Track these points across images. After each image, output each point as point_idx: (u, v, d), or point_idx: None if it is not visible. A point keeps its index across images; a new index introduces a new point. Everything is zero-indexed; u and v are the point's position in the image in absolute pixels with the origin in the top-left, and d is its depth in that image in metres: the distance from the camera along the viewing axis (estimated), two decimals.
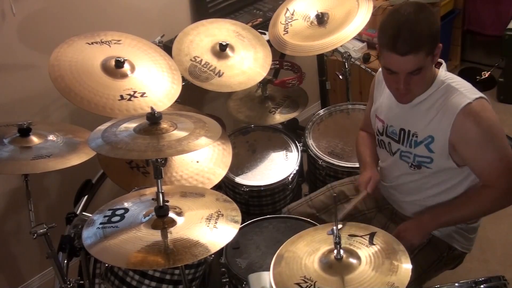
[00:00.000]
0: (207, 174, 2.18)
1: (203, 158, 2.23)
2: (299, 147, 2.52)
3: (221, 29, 2.59)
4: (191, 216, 1.66)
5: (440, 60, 1.81)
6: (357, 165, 2.22)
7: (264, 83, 2.68)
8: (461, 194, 1.86)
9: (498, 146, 1.73)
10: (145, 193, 1.82)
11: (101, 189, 2.47)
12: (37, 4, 2.39)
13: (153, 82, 2.22)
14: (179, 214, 1.66)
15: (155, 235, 1.58)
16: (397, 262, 1.49)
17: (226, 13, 2.99)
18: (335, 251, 1.50)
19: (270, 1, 3.14)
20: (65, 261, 1.96)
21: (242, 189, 2.37)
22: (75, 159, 1.90)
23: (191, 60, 2.42)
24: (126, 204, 1.75)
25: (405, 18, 1.65)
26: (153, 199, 1.67)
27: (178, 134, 1.65)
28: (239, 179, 2.40)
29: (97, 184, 2.43)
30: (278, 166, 2.46)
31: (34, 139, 1.95)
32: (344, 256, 1.50)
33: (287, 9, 2.72)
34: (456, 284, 1.67)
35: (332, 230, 1.50)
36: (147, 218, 1.65)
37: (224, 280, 1.89)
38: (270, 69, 2.60)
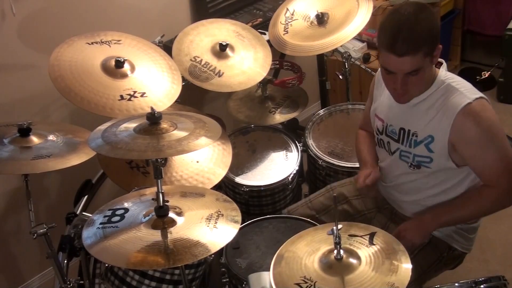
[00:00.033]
0: (207, 174, 2.18)
1: (203, 158, 2.23)
2: (299, 147, 2.52)
3: (221, 29, 2.59)
4: (191, 216, 1.66)
5: (440, 60, 1.81)
6: (357, 165, 2.22)
7: (264, 83, 2.68)
8: (462, 194, 1.86)
9: (498, 146, 1.73)
10: (145, 193, 1.82)
11: (101, 189, 2.47)
12: (37, 4, 2.39)
13: (153, 82, 2.22)
14: (179, 214, 1.66)
15: (155, 235, 1.58)
16: (397, 262, 1.49)
17: (226, 13, 2.99)
18: (335, 251, 1.50)
19: (270, 1, 3.14)
20: (65, 261, 1.96)
21: (242, 189, 2.37)
22: (75, 159, 1.90)
23: (191, 60, 2.42)
24: (126, 204, 1.75)
25: (404, 19, 1.64)
26: (153, 199, 1.67)
27: (178, 134, 1.65)
28: (239, 179, 2.40)
29: (97, 184, 2.42)
30: (278, 166, 2.46)
31: (34, 139, 1.94)
32: (344, 256, 1.50)
33: (287, 9, 2.72)
34: (456, 284, 1.67)
35: (332, 230, 1.50)
36: (147, 218, 1.65)
37: (224, 280, 1.89)
38: (270, 69, 2.60)
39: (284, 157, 2.51)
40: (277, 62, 2.77)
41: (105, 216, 1.69)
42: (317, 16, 2.62)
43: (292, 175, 2.41)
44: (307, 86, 2.84)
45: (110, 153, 1.58)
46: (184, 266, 1.67)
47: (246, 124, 2.67)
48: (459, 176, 1.83)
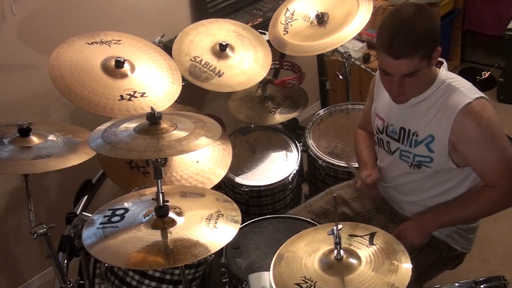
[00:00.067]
0: (207, 174, 2.18)
1: (203, 158, 2.23)
2: (299, 147, 2.52)
3: (221, 29, 2.59)
4: (191, 216, 1.66)
5: (441, 59, 1.81)
6: (357, 165, 2.22)
7: (264, 83, 2.68)
8: (462, 194, 1.86)
9: (498, 146, 1.73)
10: (145, 193, 1.82)
11: (101, 189, 2.47)
12: (37, 4, 2.39)
13: (153, 82, 2.22)
14: (179, 214, 1.66)
15: (155, 235, 1.58)
16: (397, 262, 1.49)
17: (226, 13, 2.99)
18: (335, 251, 1.50)
19: (270, 1, 3.14)
20: (65, 261, 1.96)
21: (242, 189, 2.37)
22: (75, 159, 1.89)
23: (191, 60, 2.42)
24: (126, 204, 1.75)
25: (402, 21, 1.64)
26: (153, 199, 1.67)
27: (178, 134, 1.65)
28: (239, 179, 2.40)
29: (97, 184, 2.42)
30: (278, 166, 2.46)
31: (34, 139, 1.94)
32: (344, 256, 1.50)
33: (287, 9, 2.72)
34: (456, 284, 1.67)
35: (332, 230, 1.50)
36: (147, 218, 1.65)
37: (224, 280, 1.89)
38: (270, 69, 2.60)
39: (284, 157, 2.51)
40: (277, 62, 2.77)
41: (105, 216, 1.69)
42: (317, 16, 2.62)
43: (292, 175, 2.41)
44: (307, 86, 2.84)
45: (110, 153, 1.58)
46: (184, 266, 1.67)
47: (246, 124, 2.67)
48: (459, 177, 1.83)
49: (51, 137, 1.99)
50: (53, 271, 1.95)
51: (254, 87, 2.71)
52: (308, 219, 2.06)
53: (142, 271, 1.72)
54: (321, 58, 3.17)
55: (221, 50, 2.48)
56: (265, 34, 2.75)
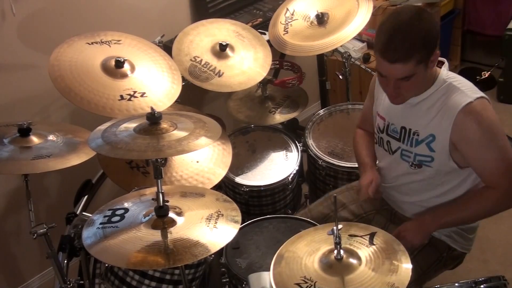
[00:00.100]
0: (207, 174, 2.18)
1: (203, 158, 2.23)
2: (299, 147, 2.52)
3: (221, 29, 2.59)
4: (191, 216, 1.66)
5: (442, 59, 1.81)
6: (357, 164, 2.22)
7: (264, 83, 2.68)
8: (463, 195, 1.86)
9: (499, 146, 1.72)
10: (145, 193, 1.82)
11: (101, 189, 2.47)
12: (37, 4, 2.39)
13: (153, 82, 2.22)
14: (179, 214, 1.66)
15: (155, 235, 1.58)
16: (397, 262, 1.49)
17: (226, 13, 2.99)
18: (335, 251, 1.50)
19: (270, 1, 3.14)
20: (65, 261, 1.96)
21: (242, 189, 2.37)
22: (75, 159, 1.89)
23: (191, 60, 2.42)
24: (126, 204, 1.75)
25: (399, 25, 1.64)
26: (153, 199, 1.67)
27: (178, 134, 1.65)
28: (239, 179, 2.40)
29: (97, 184, 2.42)
30: (278, 166, 2.46)
31: (34, 139, 1.94)
32: (344, 256, 1.50)
33: (287, 9, 2.72)
34: (456, 284, 1.67)
35: (332, 230, 1.50)
36: (147, 218, 1.65)
37: (224, 280, 1.89)
38: (270, 69, 2.60)
39: (284, 157, 2.51)
40: (277, 62, 2.77)
41: (105, 216, 1.69)
42: (317, 16, 2.62)
43: (292, 175, 2.41)
44: (307, 86, 2.84)
45: (110, 153, 1.58)
46: (184, 266, 1.67)
47: (246, 124, 2.67)
48: (459, 178, 1.83)
49: (51, 137, 1.99)
50: (53, 271, 1.95)
51: (254, 87, 2.71)
52: (308, 219, 2.05)
53: (142, 271, 1.72)
54: (321, 58, 3.17)
55: (221, 50, 2.48)
56: (265, 34, 2.75)
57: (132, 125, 1.70)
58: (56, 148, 1.94)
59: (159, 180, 1.63)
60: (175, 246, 1.54)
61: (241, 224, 1.81)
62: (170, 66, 2.32)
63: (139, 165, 2.19)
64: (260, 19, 2.95)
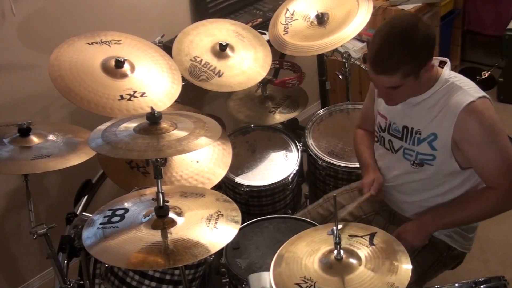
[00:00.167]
0: (207, 174, 2.18)
1: (203, 158, 2.23)
2: (299, 147, 2.52)
3: (221, 29, 2.59)
4: (191, 216, 1.66)
5: (444, 59, 1.82)
6: (357, 165, 2.22)
7: (264, 83, 2.68)
8: (463, 195, 1.86)
9: (500, 146, 1.72)
10: (145, 193, 1.82)
11: (101, 189, 2.47)
12: (37, 4, 2.39)
13: (153, 82, 2.22)
14: (179, 214, 1.66)
15: (155, 235, 1.58)
16: (397, 262, 1.49)
17: (226, 13, 2.99)
18: (335, 252, 1.50)
19: (270, 1, 3.14)
20: (65, 262, 1.96)
21: (242, 189, 2.37)
22: (75, 159, 1.89)
23: (191, 60, 2.42)
24: (126, 204, 1.75)
25: (389, 38, 1.66)
26: (153, 199, 1.67)
27: (178, 134, 1.65)
28: (239, 179, 2.40)
29: (97, 184, 2.42)
30: (278, 166, 2.46)
31: (34, 139, 1.94)
32: (344, 256, 1.50)
33: (287, 9, 2.71)
34: (456, 284, 1.67)
35: (332, 230, 1.50)
36: (147, 218, 1.65)
37: (224, 280, 1.89)
38: (270, 69, 2.60)
39: (284, 157, 2.51)
40: (277, 62, 2.77)
41: (105, 216, 1.69)
42: (317, 16, 2.62)
43: (292, 175, 2.41)
44: (307, 86, 2.84)
45: (110, 153, 1.58)
46: (184, 267, 1.67)
47: (246, 124, 2.66)
48: (460, 178, 1.83)
49: (51, 137, 1.99)
50: (53, 271, 1.95)
51: (254, 87, 2.71)
52: (308, 219, 2.05)
53: (142, 271, 1.72)
54: (321, 58, 3.17)
55: (221, 50, 2.48)
56: (265, 34, 2.75)
57: (132, 125, 1.70)
58: (56, 148, 1.94)
59: (159, 180, 1.63)
60: (175, 246, 1.54)
61: (241, 224, 1.81)
62: (170, 66, 2.32)
63: (139, 165, 2.19)
64: (260, 19, 2.95)
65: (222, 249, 1.86)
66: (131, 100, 2.11)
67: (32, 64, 2.44)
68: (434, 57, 1.76)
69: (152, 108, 1.68)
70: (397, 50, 1.64)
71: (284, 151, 2.54)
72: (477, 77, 3.76)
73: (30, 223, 1.87)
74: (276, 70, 2.91)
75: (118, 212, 1.70)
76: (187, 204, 1.72)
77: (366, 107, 2.12)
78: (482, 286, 1.64)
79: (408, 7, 3.41)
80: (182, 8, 2.90)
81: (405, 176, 1.92)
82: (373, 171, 1.99)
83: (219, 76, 2.41)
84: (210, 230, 1.60)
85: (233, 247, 1.95)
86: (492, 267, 2.59)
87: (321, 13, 2.62)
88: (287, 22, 2.67)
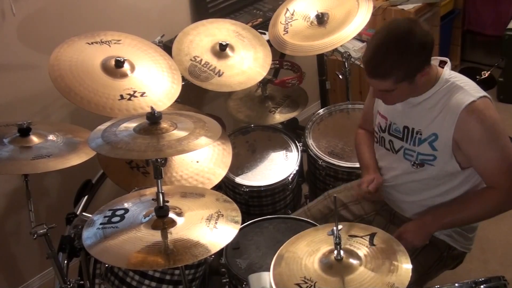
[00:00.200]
0: (207, 174, 2.18)
1: (203, 158, 2.23)
2: (299, 147, 2.52)
3: (221, 29, 2.59)
4: (191, 217, 1.66)
5: (445, 58, 1.83)
6: (357, 165, 2.22)
7: (264, 83, 2.68)
8: (464, 195, 1.86)
9: (501, 145, 1.72)
10: (145, 193, 1.82)
11: (101, 189, 2.47)
12: (37, 4, 2.39)
13: (153, 82, 2.22)
14: (179, 214, 1.66)
15: (155, 236, 1.58)
16: (397, 262, 1.49)
17: (226, 13, 2.99)
18: (335, 252, 1.50)
19: (270, 1, 3.14)
20: (65, 262, 1.96)
21: (242, 189, 2.37)
22: (75, 159, 1.89)
23: (191, 60, 2.42)
24: (126, 205, 1.75)
25: (384, 43, 1.66)
26: (153, 199, 1.67)
27: (178, 134, 1.65)
28: (239, 179, 2.40)
29: (97, 184, 2.42)
30: (278, 166, 2.46)
31: (34, 139, 1.94)
32: (344, 256, 1.50)
33: (287, 9, 2.72)
34: (456, 284, 1.67)
35: (332, 230, 1.50)
36: (147, 218, 1.65)
37: (224, 280, 1.89)
38: (270, 68, 2.60)
39: (284, 157, 2.51)
40: (277, 62, 2.77)
41: (105, 217, 1.69)
42: (317, 16, 2.62)
43: (292, 175, 2.41)
44: (307, 85, 2.83)
45: (110, 153, 1.58)
46: (184, 267, 1.67)
47: (246, 124, 2.66)
48: (460, 178, 1.83)
49: (51, 137, 1.99)
50: (53, 271, 1.95)
51: (254, 87, 2.71)
52: (309, 219, 2.05)
53: (142, 272, 1.72)
54: (321, 58, 3.17)
55: (221, 50, 2.48)
56: (265, 34, 2.75)
57: (132, 125, 1.70)
58: (56, 148, 1.94)
59: (159, 180, 1.63)
60: (175, 246, 1.54)
61: (241, 225, 1.81)
62: (170, 66, 2.32)
63: (139, 165, 2.19)
64: (260, 19, 2.95)
65: (222, 249, 1.86)
66: (131, 100, 2.11)
67: (32, 64, 2.44)
68: (434, 57, 1.76)
69: (152, 108, 1.68)
70: (390, 56, 1.65)
71: (284, 151, 2.54)
72: (477, 77, 3.76)
73: (30, 223, 1.87)
74: (276, 70, 2.91)
75: (118, 212, 1.70)
76: (187, 204, 1.72)
77: (367, 107, 2.12)
78: (482, 286, 1.64)
79: (408, 7, 3.40)
80: (182, 8, 2.90)
81: (405, 176, 1.92)
82: (374, 172, 1.99)
83: (219, 76, 2.41)
84: (210, 230, 1.60)
85: (233, 247, 1.95)
86: (492, 267, 2.59)
87: (321, 13, 2.62)
88: (287, 22, 2.67)
